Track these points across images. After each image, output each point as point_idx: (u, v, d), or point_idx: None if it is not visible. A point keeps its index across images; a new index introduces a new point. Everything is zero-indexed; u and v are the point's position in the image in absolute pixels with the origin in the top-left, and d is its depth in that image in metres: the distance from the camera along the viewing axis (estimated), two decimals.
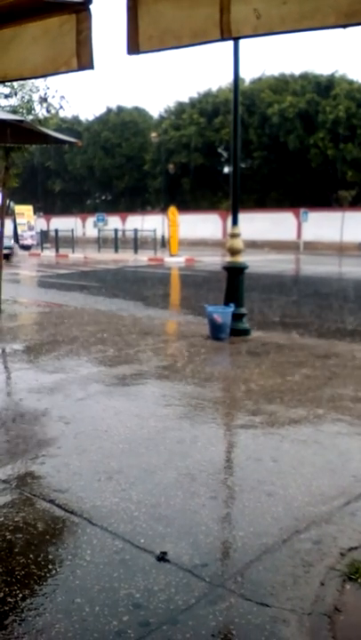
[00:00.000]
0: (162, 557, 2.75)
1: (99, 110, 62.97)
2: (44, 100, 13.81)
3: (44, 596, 2.48)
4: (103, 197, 54.62)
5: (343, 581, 2.58)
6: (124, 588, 2.53)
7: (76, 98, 64.08)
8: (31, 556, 2.77)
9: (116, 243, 32.09)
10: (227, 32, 2.56)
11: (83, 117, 51.18)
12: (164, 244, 32.44)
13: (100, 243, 33.74)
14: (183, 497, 3.36)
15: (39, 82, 13.97)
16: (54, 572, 2.66)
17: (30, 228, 35.27)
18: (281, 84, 39.20)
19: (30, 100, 14.03)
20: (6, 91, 13.51)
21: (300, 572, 2.65)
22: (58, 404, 5.12)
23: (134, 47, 2.72)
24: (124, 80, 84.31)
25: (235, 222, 8.36)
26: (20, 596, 2.48)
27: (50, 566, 2.70)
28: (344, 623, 2.33)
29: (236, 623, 2.32)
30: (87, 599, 2.46)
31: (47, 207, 52.37)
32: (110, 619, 2.34)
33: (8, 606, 2.41)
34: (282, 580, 2.59)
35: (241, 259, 8.31)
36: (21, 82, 12.98)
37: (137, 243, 31.00)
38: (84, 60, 2.78)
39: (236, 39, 6.34)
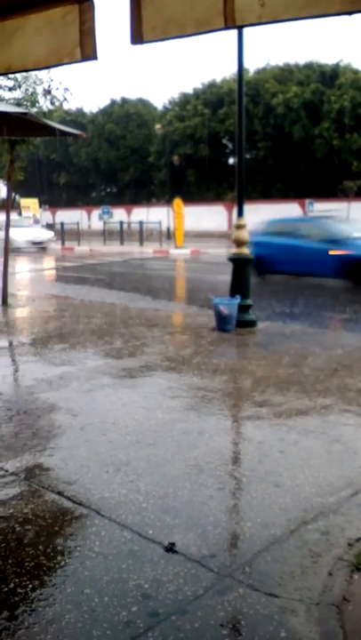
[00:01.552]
0: (170, 548, 2.76)
1: (103, 102, 62.73)
2: (47, 92, 13.74)
3: (54, 587, 2.50)
4: (108, 190, 54.50)
5: (351, 571, 2.59)
6: (133, 578, 2.54)
7: (79, 90, 63.88)
8: (40, 547, 2.79)
9: (122, 235, 32.03)
10: (231, 21, 2.53)
11: (87, 109, 51.03)
12: (169, 235, 32.36)
13: (106, 235, 33.68)
14: (191, 488, 3.36)
15: (43, 74, 13.91)
16: (63, 563, 2.67)
17: (36, 222, 35.27)
18: (285, 74, 38.92)
19: (34, 93, 13.97)
20: (10, 83, 13.45)
21: (308, 562, 2.66)
22: (65, 396, 5.14)
23: (138, 37, 2.70)
24: (127, 72, 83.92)
25: (240, 213, 8.33)
26: (30, 586, 2.50)
27: (59, 557, 2.71)
28: (352, 613, 2.34)
29: (244, 613, 2.33)
30: (96, 590, 2.47)
31: (52, 200, 52.33)
32: (119, 609, 2.35)
33: (18, 597, 2.43)
34: (290, 571, 2.59)
35: (247, 250, 8.29)
36: (25, 74, 12.93)
37: (142, 235, 30.93)
38: (87, 51, 2.76)
39: (240, 28, 6.30)
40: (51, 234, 27.64)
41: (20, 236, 24.48)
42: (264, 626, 2.25)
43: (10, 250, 18.81)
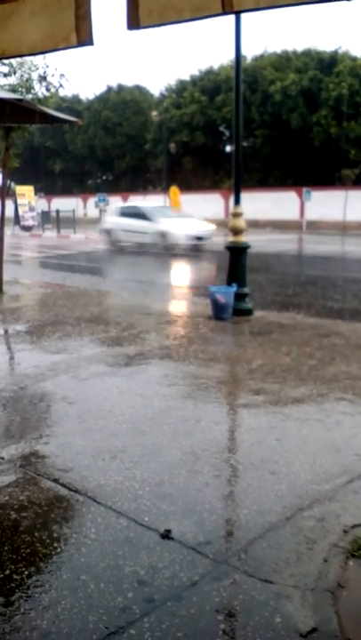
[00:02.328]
0: (166, 535, 2.77)
1: (99, 89, 62.40)
2: (43, 78, 13.63)
3: (50, 574, 2.51)
4: (104, 177, 54.25)
5: (346, 558, 2.60)
6: (129, 565, 2.55)
7: (75, 76, 63.15)
8: (36, 534, 2.80)
9: None
10: (228, 6, 2.50)
11: (83, 96, 50.66)
12: None
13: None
14: (187, 475, 3.37)
15: (38, 60, 13.78)
16: (59, 549, 2.68)
17: (31, 209, 35.08)
18: (283, 61, 38.67)
19: (29, 79, 13.85)
20: (5, 69, 13.33)
21: (304, 549, 2.67)
22: (61, 384, 5.14)
23: (135, 22, 2.66)
24: (124, 58, 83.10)
25: (237, 202, 8.30)
26: (27, 573, 2.51)
27: (55, 544, 2.72)
28: (347, 599, 2.35)
29: (239, 599, 2.34)
30: (92, 576, 2.48)
31: (48, 187, 52.09)
32: (115, 595, 2.36)
33: (15, 583, 2.44)
34: (285, 557, 2.61)
35: (243, 238, 8.26)
36: (20, 60, 12.81)
37: None
38: (83, 36, 2.73)
39: (237, 13, 6.25)
40: (212, 227, 21.20)
41: (179, 228, 19.55)
42: (259, 611, 2.26)
43: (166, 246, 19.08)
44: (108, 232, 22.03)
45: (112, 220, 22.27)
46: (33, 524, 2.89)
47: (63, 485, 3.27)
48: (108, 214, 24.11)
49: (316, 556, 2.61)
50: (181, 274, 15.44)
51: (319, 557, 2.61)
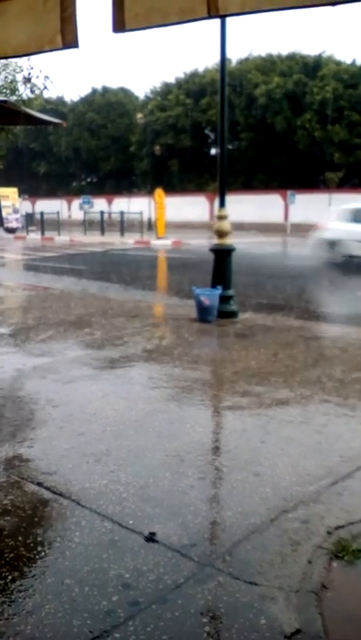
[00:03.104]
0: (151, 538, 2.77)
1: (84, 91, 62.13)
2: (27, 80, 13.59)
3: (34, 578, 2.49)
4: (89, 179, 54.09)
5: (330, 559, 2.62)
6: (114, 568, 2.55)
7: (60, 78, 63.16)
8: (20, 538, 2.78)
9: (103, 225, 31.89)
10: (214, 9, 2.52)
11: (67, 98, 50.49)
12: (150, 226, 32.26)
13: (86, 225, 33.49)
14: (172, 478, 3.37)
15: (23, 61, 13.76)
16: (43, 553, 2.67)
17: (15, 211, 34.90)
18: (268, 65, 38.85)
19: (14, 81, 13.83)
20: None
21: (288, 550, 2.68)
22: (45, 387, 5.11)
23: (120, 25, 2.67)
24: (109, 60, 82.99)
25: (222, 204, 8.33)
26: (10, 577, 2.49)
27: (39, 548, 2.70)
28: (331, 600, 2.37)
29: (224, 601, 2.34)
30: (77, 580, 2.47)
31: (32, 189, 51.81)
32: (100, 599, 2.35)
33: None
34: (270, 559, 2.61)
35: (228, 241, 8.29)
36: (4, 61, 12.78)
37: (123, 225, 30.80)
38: (68, 38, 2.72)
39: (223, 17, 6.26)
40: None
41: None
42: (244, 613, 2.27)
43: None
44: (332, 244, 15.63)
45: (339, 227, 15.85)
46: (17, 527, 2.88)
47: (47, 489, 3.26)
48: (332, 220, 17.26)
49: (300, 558, 2.63)
50: None
51: (303, 559, 2.62)
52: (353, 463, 3.57)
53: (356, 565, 2.59)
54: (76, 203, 43.62)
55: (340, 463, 3.57)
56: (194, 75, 42.62)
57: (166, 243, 25.67)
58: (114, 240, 27.99)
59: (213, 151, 41.20)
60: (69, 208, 48.32)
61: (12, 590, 2.41)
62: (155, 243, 25.80)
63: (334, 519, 2.95)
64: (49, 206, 40.63)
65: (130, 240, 27.34)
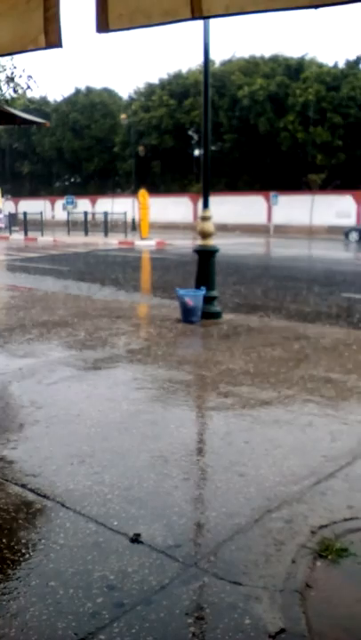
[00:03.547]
0: (135, 539, 2.76)
1: (67, 91, 62.01)
2: (10, 79, 13.51)
3: (18, 580, 2.48)
4: (72, 180, 53.93)
5: (314, 559, 2.63)
6: (98, 570, 2.54)
7: (43, 78, 62.89)
8: (4, 540, 2.76)
9: (86, 226, 31.82)
10: (197, 11, 2.52)
11: (51, 98, 50.34)
12: (134, 227, 32.27)
13: (70, 226, 33.41)
14: (156, 479, 3.37)
15: (5, 61, 13.66)
16: (28, 556, 2.65)
17: None
18: (251, 67, 39.05)
19: None
20: None
21: (272, 550, 2.70)
22: (29, 388, 5.09)
23: (104, 25, 2.66)
24: (93, 60, 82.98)
25: (206, 205, 8.34)
26: None
27: (23, 550, 2.69)
28: (315, 599, 2.38)
29: (209, 602, 2.35)
30: (61, 582, 2.46)
31: (15, 189, 51.53)
32: (85, 601, 2.35)
33: None
34: (254, 559, 2.62)
35: (212, 242, 8.31)
36: None
37: (107, 226, 30.77)
38: (52, 38, 2.71)
39: (206, 18, 6.27)
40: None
41: None
42: (229, 613, 2.27)
43: None
44: None
45: None
46: (0, 529, 2.86)
47: (31, 490, 3.24)
48: None
49: (284, 558, 2.64)
50: None
51: (287, 558, 2.63)
52: (336, 463, 3.59)
53: (339, 564, 2.60)
54: (60, 203, 43.52)
55: (324, 463, 3.59)
56: (177, 76, 42.71)
57: (150, 243, 25.66)
58: (97, 241, 27.93)
59: (197, 152, 41.31)
60: (53, 208, 48.15)
61: None
62: (139, 243, 25.79)
63: (318, 518, 2.97)
64: (32, 206, 40.44)
65: (114, 241, 27.30)
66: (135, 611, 2.29)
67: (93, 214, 37.29)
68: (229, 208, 35.12)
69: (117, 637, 2.15)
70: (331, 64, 37.58)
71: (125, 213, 31.31)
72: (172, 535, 2.80)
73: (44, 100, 48.63)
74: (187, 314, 7.91)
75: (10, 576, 2.51)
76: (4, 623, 2.22)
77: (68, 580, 2.48)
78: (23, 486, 3.29)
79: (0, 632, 2.18)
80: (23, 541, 2.77)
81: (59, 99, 50.14)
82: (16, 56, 10.72)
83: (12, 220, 34.82)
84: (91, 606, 2.31)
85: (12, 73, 13.42)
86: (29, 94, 15.11)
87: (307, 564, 2.60)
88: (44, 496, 3.18)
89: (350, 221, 33.77)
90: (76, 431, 4.09)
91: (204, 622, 2.26)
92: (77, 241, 28.24)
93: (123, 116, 42.01)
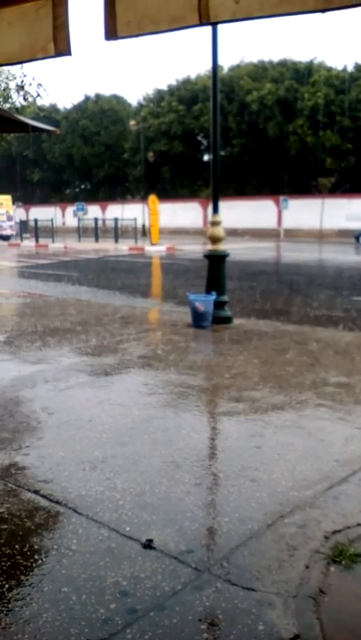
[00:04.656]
0: (148, 545, 2.76)
1: (77, 98, 62.32)
2: (20, 87, 13.64)
3: (31, 586, 2.48)
4: (82, 186, 54.20)
5: (327, 564, 2.62)
6: (111, 576, 2.54)
7: (53, 86, 63.36)
8: (17, 546, 2.77)
9: (97, 232, 31.92)
10: (205, 17, 2.53)
11: (60, 106, 50.66)
12: (144, 232, 32.35)
13: (80, 232, 33.54)
14: (168, 484, 3.37)
15: (16, 69, 13.80)
16: (40, 562, 2.65)
17: (9, 219, 34.94)
18: (260, 71, 39.10)
19: (7, 88, 13.86)
20: None
21: (285, 555, 2.68)
22: (41, 394, 5.10)
23: (112, 33, 2.68)
24: (101, 67, 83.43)
25: (215, 210, 8.35)
26: (7, 586, 2.48)
27: (36, 556, 2.69)
28: (329, 604, 2.36)
29: (222, 608, 2.34)
30: (74, 588, 2.46)
31: (26, 197, 51.89)
32: (97, 607, 2.34)
33: None
34: (267, 565, 2.61)
35: (222, 247, 8.31)
36: None
37: (117, 232, 30.86)
38: (60, 46, 2.74)
39: (214, 24, 6.31)
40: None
41: None
42: (242, 619, 2.26)
43: None
44: None
45: None
46: (13, 536, 2.86)
47: (44, 497, 3.25)
48: None
49: (297, 563, 2.62)
50: None
51: (301, 564, 2.62)
52: (349, 467, 3.57)
53: (353, 570, 2.58)
54: (70, 210, 43.74)
55: (336, 467, 3.57)
56: (186, 81, 42.86)
57: (160, 249, 25.71)
58: (108, 247, 28.02)
59: (206, 157, 41.42)
60: (63, 215, 48.38)
61: (9, 599, 2.40)
62: (149, 249, 25.84)
63: (331, 523, 2.95)
64: (43, 213, 40.71)
65: (124, 246, 27.37)
66: (148, 617, 2.28)
67: (104, 220, 37.39)
68: (239, 213, 35.13)
69: None
70: (340, 67, 37.57)
71: (135, 219, 31.41)
72: (184, 541, 2.79)
73: (53, 108, 48.95)
74: (197, 319, 7.91)
75: (23, 582, 2.51)
76: (18, 629, 2.22)
77: (80, 585, 2.47)
78: (36, 492, 3.29)
79: (13, 638, 2.18)
80: (36, 547, 2.77)
81: (68, 106, 50.51)
82: (26, 64, 10.82)
83: (24, 227, 35.05)
84: (103, 612, 2.31)
85: (22, 81, 13.55)
86: (39, 102, 15.26)
87: (320, 569, 2.58)
88: (57, 502, 3.18)
89: None
90: (88, 437, 4.10)
91: (218, 628, 2.25)
92: (88, 247, 28.34)
93: (132, 122, 42.19)
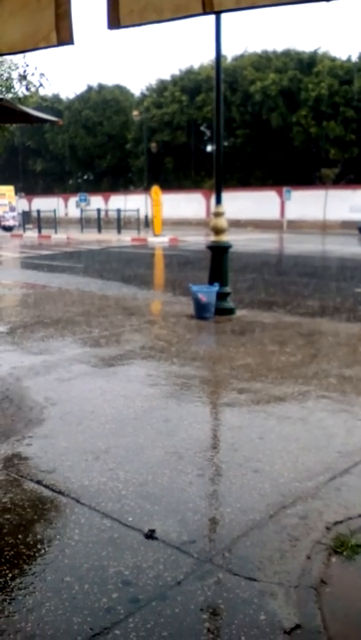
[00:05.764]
0: (150, 535, 2.77)
1: (79, 88, 62.23)
2: (23, 77, 13.58)
3: (34, 576, 2.50)
4: (85, 177, 54.08)
5: (329, 555, 2.63)
6: (113, 565, 2.55)
7: (55, 76, 63.21)
8: (20, 536, 2.78)
9: (99, 223, 31.87)
10: (209, 6, 2.51)
11: (63, 95, 50.51)
12: (147, 223, 32.27)
13: (83, 223, 33.48)
14: (170, 475, 3.38)
15: (18, 59, 13.74)
16: (43, 551, 2.67)
17: (12, 209, 34.90)
18: (263, 61, 38.86)
19: (9, 78, 13.80)
20: None
21: (287, 546, 2.69)
22: (43, 385, 5.11)
23: (115, 21, 2.66)
24: (104, 57, 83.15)
25: (218, 201, 8.32)
26: (10, 575, 2.49)
27: (39, 546, 2.71)
28: (330, 595, 2.37)
29: (224, 598, 2.35)
30: (77, 577, 2.47)
31: (29, 187, 51.78)
32: (100, 596, 2.36)
33: None
34: (269, 555, 2.62)
35: (225, 238, 8.29)
36: (0, 59, 12.75)
37: (120, 223, 30.81)
38: (63, 35, 2.71)
39: (218, 13, 6.26)
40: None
41: None
42: (244, 609, 2.27)
43: None
44: None
45: None
46: (16, 525, 2.88)
47: (46, 487, 3.26)
48: None
49: (299, 554, 2.63)
50: None
51: (302, 555, 2.63)
52: (351, 459, 3.57)
53: (355, 560, 2.59)
54: (73, 200, 43.63)
55: (339, 459, 3.58)
56: (189, 72, 42.63)
57: (163, 240, 25.67)
58: (111, 238, 27.99)
59: (209, 148, 41.28)
60: (66, 206, 48.29)
61: (12, 588, 2.41)
62: (152, 240, 25.80)
63: (333, 514, 2.96)
64: (45, 204, 40.63)
65: (127, 237, 27.33)
66: (150, 606, 2.30)
67: (106, 211, 37.33)
68: (242, 204, 35.02)
69: (133, 632, 2.16)
70: (344, 57, 37.32)
71: (138, 210, 31.34)
72: (186, 531, 2.81)
73: (56, 98, 48.82)
74: (200, 310, 7.91)
75: (26, 571, 2.53)
76: (21, 617, 2.24)
77: (83, 575, 2.49)
78: (38, 482, 3.31)
79: (17, 626, 2.19)
80: (39, 537, 2.78)
81: (71, 96, 50.35)
82: (28, 54, 10.77)
83: (26, 217, 34.98)
84: (106, 601, 2.32)
85: (25, 71, 13.50)
86: (42, 92, 15.20)
87: (322, 560, 2.59)
88: (60, 492, 3.19)
89: None
90: (91, 427, 4.11)
91: (219, 618, 2.26)
92: (91, 238, 28.31)
93: (135, 112, 42.02)
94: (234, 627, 2.19)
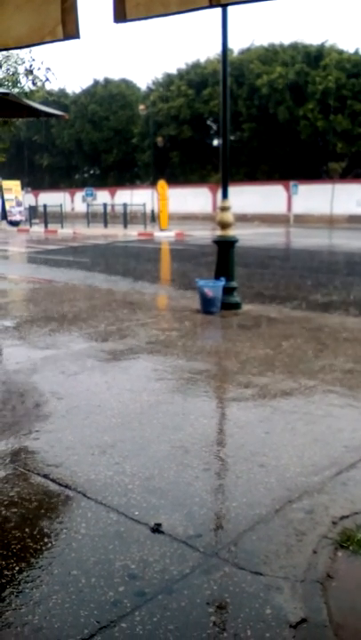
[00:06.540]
0: (156, 529, 2.78)
1: (85, 83, 62.05)
2: (29, 72, 13.57)
3: (41, 569, 2.51)
4: (91, 172, 54.02)
5: (335, 549, 2.63)
6: (120, 559, 2.56)
7: (62, 70, 63.04)
8: (27, 529, 2.79)
9: (106, 217, 31.86)
10: None
11: (69, 90, 50.40)
12: (153, 218, 32.23)
13: (89, 218, 33.48)
14: (176, 469, 3.38)
15: (24, 53, 13.72)
16: (50, 545, 2.68)
17: (18, 204, 34.92)
18: (270, 55, 38.63)
19: (16, 73, 13.79)
20: None
21: (293, 540, 2.69)
22: (50, 379, 5.13)
23: (121, 15, 2.65)
24: (111, 51, 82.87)
25: (225, 195, 8.30)
26: (17, 569, 2.51)
27: (45, 539, 2.72)
28: (336, 589, 2.38)
29: (230, 591, 2.36)
30: (83, 571, 2.48)
31: (35, 182, 51.77)
32: (106, 589, 2.37)
33: (5, 579, 2.44)
34: (275, 549, 2.62)
35: (231, 232, 8.27)
36: (6, 53, 12.75)
37: (126, 217, 30.78)
38: (69, 29, 2.71)
39: (224, 6, 6.22)
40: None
41: None
42: (250, 603, 2.28)
43: None
44: None
45: None
46: (23, 519, 2.89)
47: (53, 481, 3.27)
48: None
49: (305, 548, 2.63)
50: None
51: (308, 549, 2.63)
52: (357, 453, 3.57)
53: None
54: (79, 195, 43.60)
55: (345, 453, 3.57)
56: (195, 65, 42.46)
57: (170, 234, 25.64)
58: (117, 232, 27.98)
59: (216, 142, 41.10)
60: (72, 200, 48.26)
61: (19, 581, 2.43)
62: (158, 235, 25.78)
63: (339, 509, 2.96)
64: (52, 199, 40.66)
65: (133, 232, 27.32)
66: (156, 600, 2.30)
67: (113, 206, 37.29)
68: (249, 198, 34.91)
69: (139, 626, 2.17)
70: (351, 50, 37.04)
71: (145, 205, 31.30)
72: (192, 525, 2.81)
73: (62, 93, 48.69)
74: (206, 304, 7.90)
75: (33, 565, 2.54)
76: (28, 610, 2.25)
77: (89, 568, 2.50)
78: (45, 476, 3.32)
79: (24, 619, 2.21)
80: (46, 531, 2.80)
81: (77, 90, 50.24)
82: (34, 48, 10.77)
83: (33, 212, 35.01)
84: (112, 595, 2.33)
85: (31, 65, 13.48)
86: (48, 87, 15.17)
87: (328, 554, 2.59)
88: (66, 486, 3.20)
89: None
90: (97, 422, 4.12)
91: (225, 612, 2.27)
92: (97, 233, 28.32)
93: (141, 106, 41.91)
94: (240, 620, 2.20)
